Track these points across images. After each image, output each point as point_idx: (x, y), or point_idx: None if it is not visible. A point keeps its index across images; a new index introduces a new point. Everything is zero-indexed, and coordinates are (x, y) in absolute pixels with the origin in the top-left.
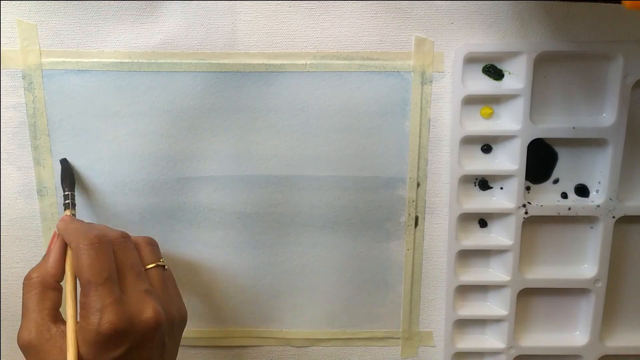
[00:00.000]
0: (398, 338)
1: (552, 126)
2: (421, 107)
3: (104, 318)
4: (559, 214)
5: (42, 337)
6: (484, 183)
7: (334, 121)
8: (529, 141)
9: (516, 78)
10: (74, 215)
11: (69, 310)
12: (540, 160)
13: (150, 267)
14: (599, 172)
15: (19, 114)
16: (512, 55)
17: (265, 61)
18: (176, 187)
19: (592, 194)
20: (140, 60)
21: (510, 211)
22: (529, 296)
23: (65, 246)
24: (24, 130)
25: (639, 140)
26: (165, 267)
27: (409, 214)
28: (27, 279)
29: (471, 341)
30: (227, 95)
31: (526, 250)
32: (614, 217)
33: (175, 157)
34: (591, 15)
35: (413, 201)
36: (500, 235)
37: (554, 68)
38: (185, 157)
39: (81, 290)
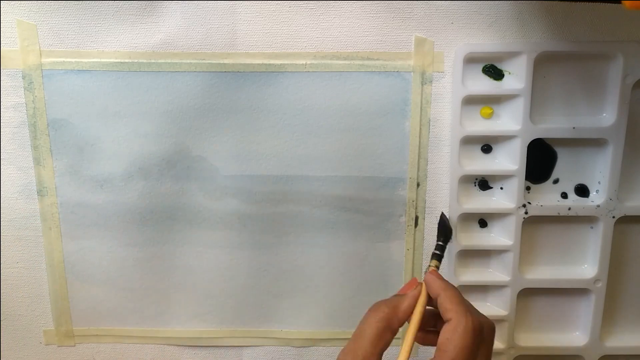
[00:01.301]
0: (398, 338)
1: (552, 126)
2: (421, 107)
3: None
4: (559, 214)
5: None
6: (484, 183)
7: (334, 121)
8: (529, 141)
9: (516, 78)
10: (437, 267)
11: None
12: (540, 160)
13: None
14: (599, 172)
15: (19, 114)
16: (512, 55)
17: (265, 61)
18: (176, 187)
19: (592, 194)
20: (140, 60)
21: (510, 211)
22: (529, 296)
23: (424, 300)
24: (24, 130)
25: (639, 140)
26: None
27: (409, 214)
28: (377, 308)
29: None
30: (227, 95)
31: (526, 250)
32: (614, 217)
33: (175, 157)
34: (591, 16)
35: (413, 201)
36: (500, 236)
37: (554, 68)
38: (186, 157)
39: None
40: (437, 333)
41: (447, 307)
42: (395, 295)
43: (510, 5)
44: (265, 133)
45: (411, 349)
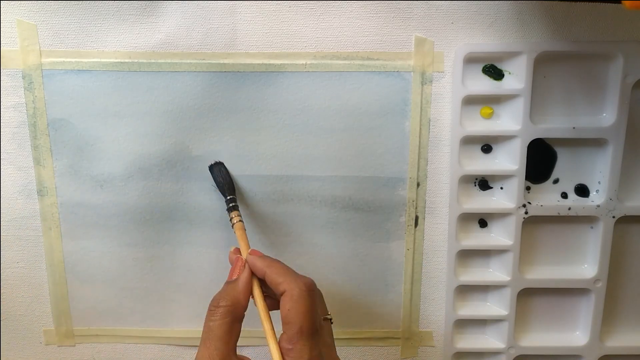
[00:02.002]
0: (398, 338)
1: (552, 126)
2: (421, 107)
3: None
4: (559, 214)
5: None
6: (484, 183)
7: (334, 121)
8: (529, 141)
9: (516, 78)
10: (240, 219)
11: (274, 355)
12: (540, 160)
13: (326, 318)
14: (599, 172)
15: (19, 114)
16: (512, 55)
17: (265, 61)
18: (176, 187)
19: (592, 194)
20: (140, 60)
21: (510, 211)
22: (529, 296)
23: (251, 278)
24: (24, 130)
25: (639, 140)
26: (331, 319)
27: (409, 214)
28: (216, 305)
29: (471, 341)
30: (227, 95)
31: (526, 250)
32: (614, 217)
33: (175, 157)
34: (591, 16)
35: (413, 201)
36: (501, 235)
37: (554, 68)
38: (185, 157)
39: (286, 337)
40: (274, 298)
41: (277, 280)
42: (227, 283)
43: (510, 5)
44: (265, 133)
45: (274, 332)
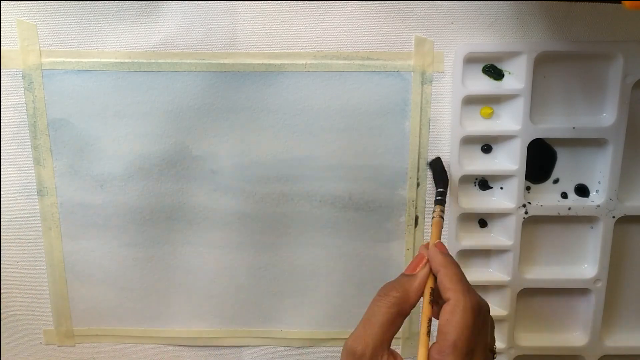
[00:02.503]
0: (398, 338)
1: (552, 126)
2: (421, 107)
3: None
4: (559, 214)
5: (374, 357)
6: (484, 183)
7: (334, 121)
8: (529, 141)
9: (516, 78)
10: (442, 213)
11: (421, 356)
12: (540, 160)
13: (492, 350)
14: (599, 172)
15: (19, 114)
16: (512, 55)
17: (265, 61)
18: (176, 187)
19: (592, 194)
20: (140, 60)
21: (510, 211)
22: (529, 296)
23: (432, 279)
24: (24, 130)
25: (639, 140)
26: (495, 354)
27: (409, 214)
28: (385, 293)
29: None
30: (227, 95)
31: (526, 250)
32: (614, 217)
33: (175, 157)
34: (591, 16)
35: (413, 201)
36: (500, 235)
37: (554, 68)
38: (185, 157)
39: (438, 346)
40: (440, 305)
41: (447, 285)
42: (403, 275)
43: (510, 5)
44: (265, 133)
45: (429, 338)
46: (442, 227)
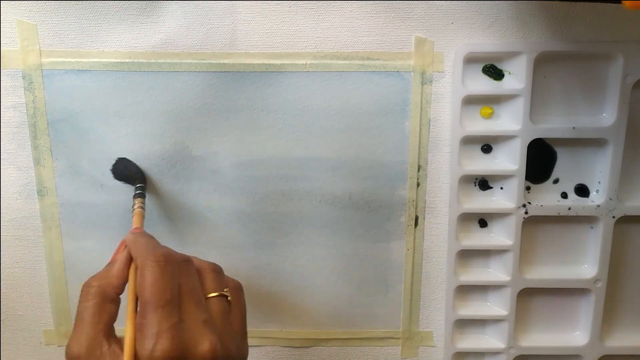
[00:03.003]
0: (398, 338)
1: (552, 126)
2: (421, 107)
3: (159, 344)
4: (559, 214)
5: (92, 353)
6: (484, 183)
7: (334, 121)
8: (529, 141)
9: (516, 78)
10: (142, 205)
11: (128, 332)
12: (540, 160)
13: (212, 297)
14: (599, 172)
15: (19, 114)
16: (512, 55)
17: (265, 61)
18: (176, 187)
19: (592, 194)
20: (140, 60)
21: (510, 211)
22: (529, 296)
23: (131, 259)
24: (24, 130)
25: (639, 140)
26: (229, 297)
27: (409, 214)
28: (87, 286)
29: (471, 341)
30: (227, 95)
31: (526, 250)
32: (614, 217)
33: (175, 157)
34: (591, 15)
35: (413, 201)
36: (501, 235)
37: (554, 68)
38: (185, 157)
39: (139, 311)
40: None
41: (134, 255)
42: (107, 265)
43: (510, 5)
44: (265, 133)
45: (135, 313)
46: (144, 217)
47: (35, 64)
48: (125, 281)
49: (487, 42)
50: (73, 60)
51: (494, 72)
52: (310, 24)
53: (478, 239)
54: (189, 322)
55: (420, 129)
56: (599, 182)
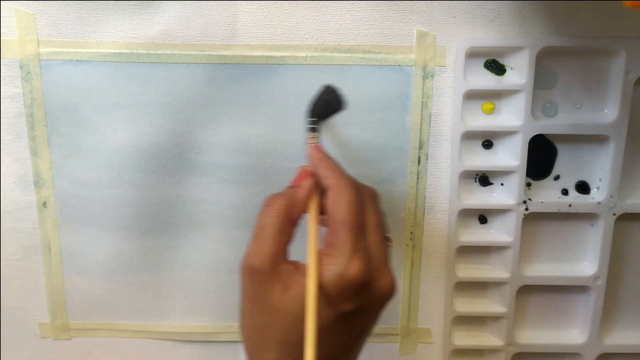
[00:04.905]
0: (396, 334)
1: (554, 122)
2: (422, 102)
3: (353, 264)
4: (559, 210)
5: (273, 268)
6: (484, 179)
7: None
8: (530, 137)
9: (518, 73)
10: (318, 142)
11: (312, 252)
12: (541, 157)
13: (387, 237)
14: (600, 168)
15: (17, 104)
16: (514, 50)
17: (266, 53)
18: (174, 180)
19: (593, 190)
20: (139, 51)
21: (511, 207)
22: (528, 293)
23: (315, 188)
24: (21, 120)
25: None
26: (390, 242)
27: (409, 209)
28: (273, 202)
29: (470, 338)
30: (226, 87)
31: (526, 247)
32: (614, 214)
33: (173, 150)
34: (594, 11)
35: (413, 196)
36: (500, 232)
37: (556, 63)
38: (184, 149)
39: (329, 229)
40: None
41: (326, 174)
42: (287, 187)
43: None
44: (265, 126)
45: (317, 237)
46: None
47: (33, 54)
48: (307, 210)
49: (489, 37)
50: (71, 50)
51: (496, 67)
52: (311, 16)
53: (478, 235)
54: (374, 254)
55: (421, 123)
56: (600, 179)
